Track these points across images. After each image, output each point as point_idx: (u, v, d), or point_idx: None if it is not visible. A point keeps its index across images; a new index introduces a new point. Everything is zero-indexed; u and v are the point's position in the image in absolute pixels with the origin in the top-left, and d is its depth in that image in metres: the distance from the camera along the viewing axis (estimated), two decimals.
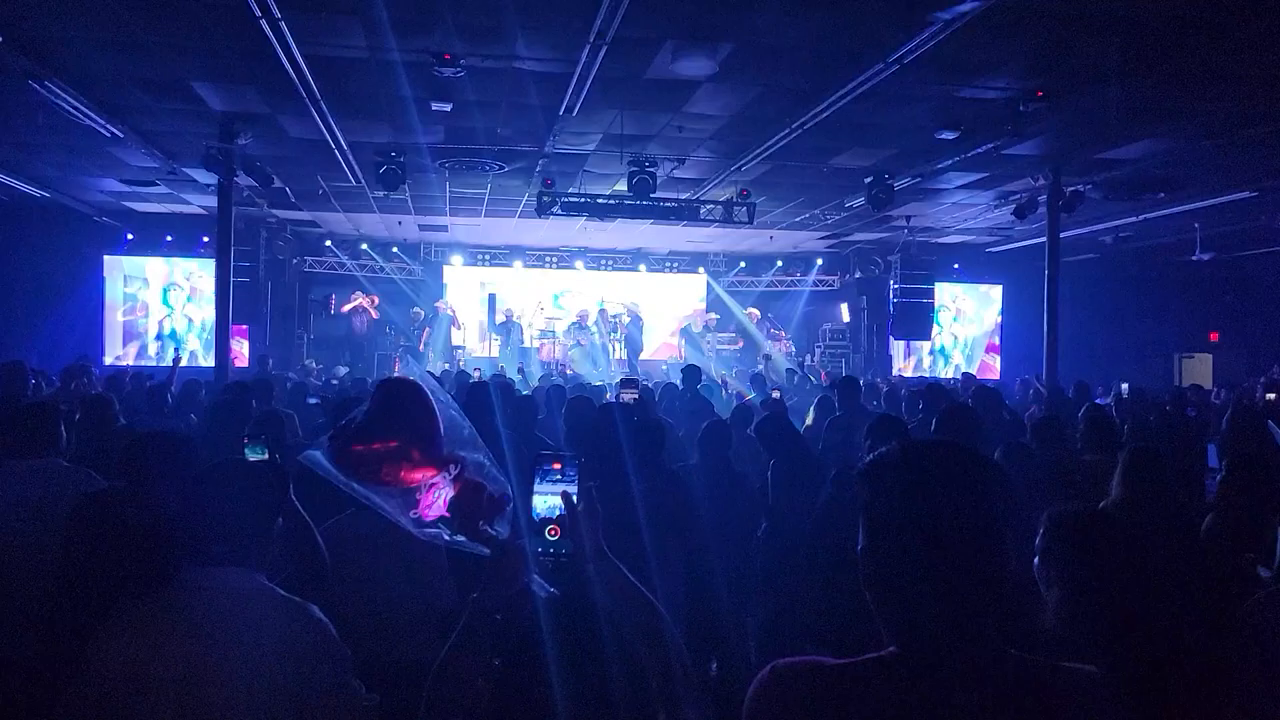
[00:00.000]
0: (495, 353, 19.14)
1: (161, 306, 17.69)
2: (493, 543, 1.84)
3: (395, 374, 14.11)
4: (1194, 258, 15.43)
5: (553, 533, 1.74)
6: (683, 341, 19.78)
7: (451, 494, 2.22)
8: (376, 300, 19.74)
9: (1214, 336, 18.73)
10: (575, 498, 1.75)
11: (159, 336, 17.50)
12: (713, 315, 20.55)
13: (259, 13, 6.93)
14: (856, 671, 1.40)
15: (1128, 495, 4.18)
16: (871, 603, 1.43)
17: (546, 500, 1.76)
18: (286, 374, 13.73)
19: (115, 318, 17.53)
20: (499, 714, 1.73)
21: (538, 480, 1.77)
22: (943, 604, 1.35)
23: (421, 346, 18.43)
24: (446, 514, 2.21)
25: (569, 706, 1.73)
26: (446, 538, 2.17)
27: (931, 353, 19.87)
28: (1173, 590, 3.19)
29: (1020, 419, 8.23)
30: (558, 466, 1.78)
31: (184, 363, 13.97)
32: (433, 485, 2.21)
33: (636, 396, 6.48)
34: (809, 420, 8.61)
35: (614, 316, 20.03)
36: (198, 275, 17.47)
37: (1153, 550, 3.42)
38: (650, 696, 1.68)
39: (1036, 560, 2.50)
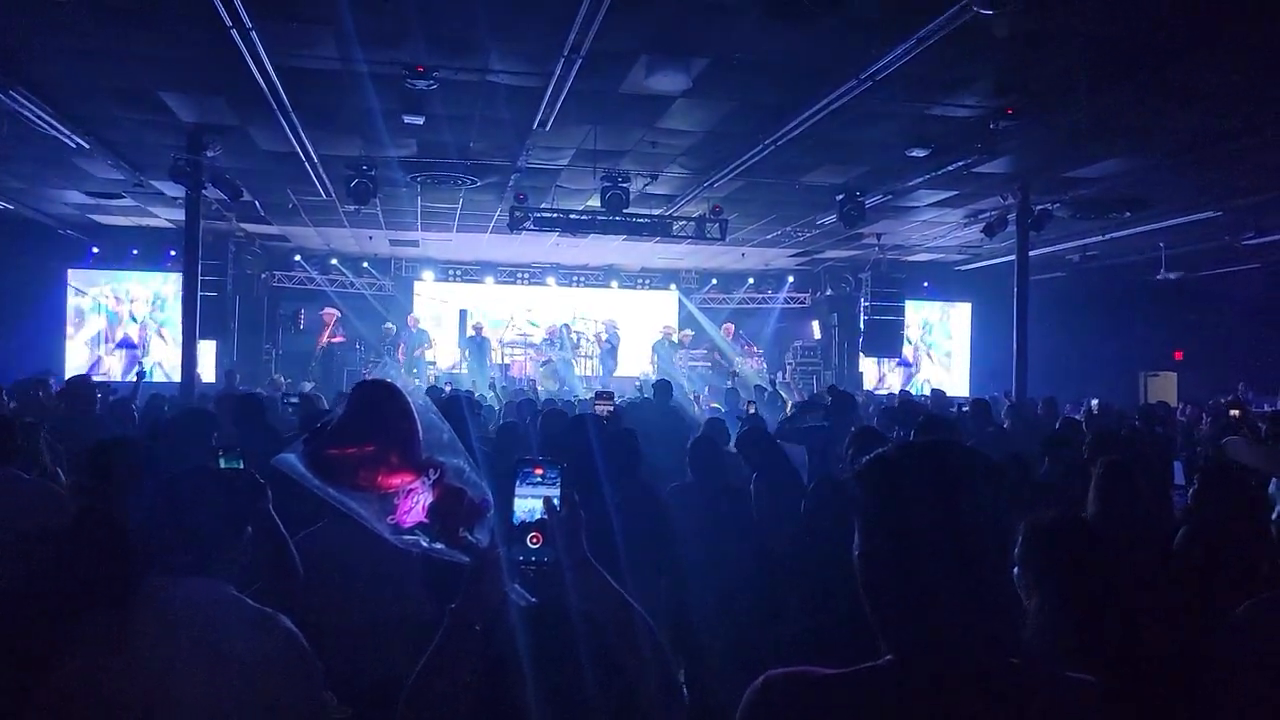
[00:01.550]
0: (466, 369, 18.99)
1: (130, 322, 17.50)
2: (472, 551, 1.78)
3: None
4: (1159, 276, 15.63)
5: (534, 540, 1.68)
6: (655, 357, 19.73)
7: (430, 500, 2.16)
8: (338, 314, 19.46)
9: (1178, 355, 18.97)
10: (557, 503, 1.70)
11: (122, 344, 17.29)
12: (687, 332, 20.51)
13: (229, 22, 6.84)
14: (852, 681, 1.36)
15: (1103, 508, 4.20)
16: (868, 609, 1.38)
17: (527, 505, 1.70)
18: (255, 389, 13.52)
19: (79, 335, 17.29)
20: None
21: (519, 485, 1.72)
22: (943, 610, 1.31)
23: (401, 358, 18.25)
24: (425, 520, 2.15)
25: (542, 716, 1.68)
26: (424, 545, 2.10)
27: (901, 361, 19.98)
28: (1149, 601, 3.19)
29: (1005, 431, 8.29)
30: (539, 472, 1.74)
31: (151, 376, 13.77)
32: (411, 491, 2.15)
33: (612, 410, 6.44)
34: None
35: (577, 333, 19.93)
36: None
37: (1129, 561, 3.42)
38: (636, 708, 1.63)
39: (1016, 569, 2.48)
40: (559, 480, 1.73)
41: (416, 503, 2.15)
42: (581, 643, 1.69)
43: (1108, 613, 2.29)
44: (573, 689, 1.68)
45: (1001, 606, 1.35)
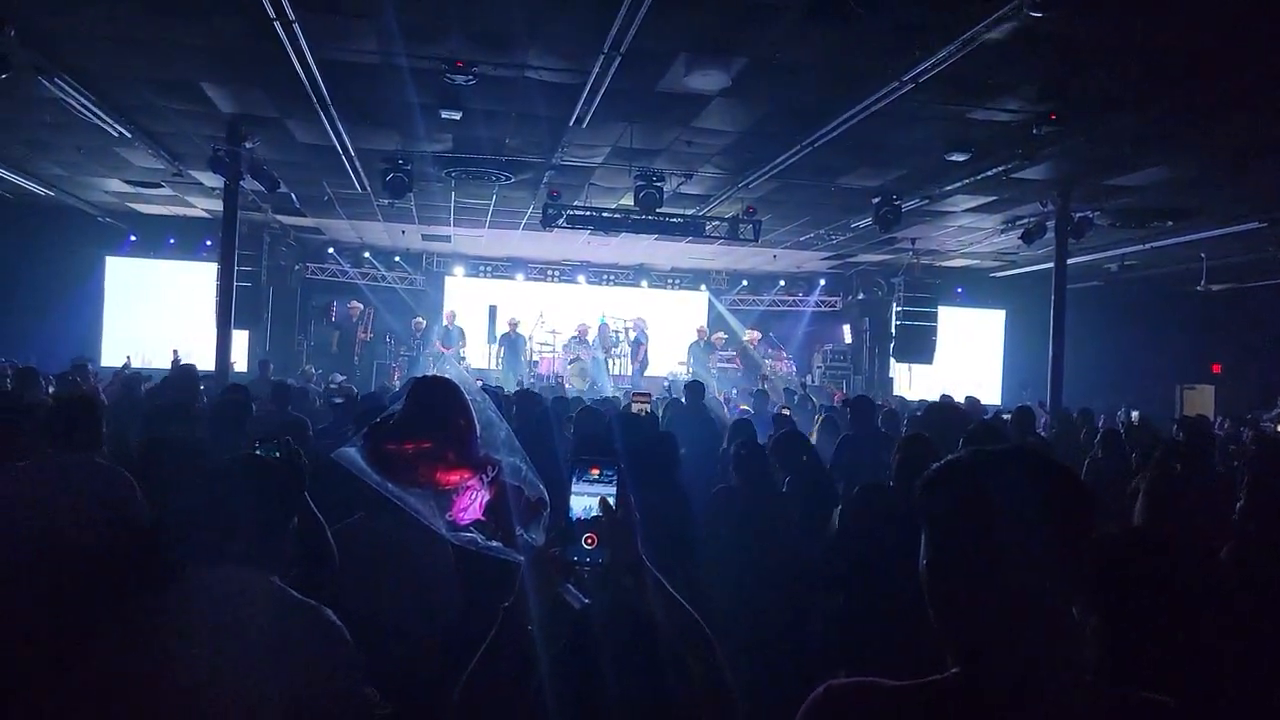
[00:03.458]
0: (497, 366, 19.01)
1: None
2: (528, 550, 1.75)
3: (396, 382, 14.01)
4: (1199, 288, 15.39)
5: (589, 541, 1.65)
6: (690, 358, 19.68)
7: (488, 498, 2.13)
8: (361, 308, 19.58)
9: (1216, 368, 18.67)
10: (614, 503, 1.66)
11: None
12: (721, 334, 20.41)
13: (273, 14, 6.88)
14: (917, 694, 1.31)
15: (1152, 520, 4.11)
16: (934, 619, 1.33)
17: (583, 504, 1.67)
18: (286, 380, 13.62)
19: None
20: None
21: (574, 484, 1.68)
22: (1016, 624, 1.26)
23: (441, 349, 18.31)
24: (482, 518, 2.12)
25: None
26: (481, 542, 2.08)
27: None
28: (1207, 619, 3.11)
29: (1049, 441, 8.22)
30: (596, 471, 1.70)
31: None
32: (468, 488, 2.12)
33: (648, 409, 6.41)
34: (813, 440, 8.56)
35: (615, 332, 19.91)
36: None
37: (1184, 578, 3.34)
38: (689, 710, 1.60)
39: None
40: (615, 480, 1.69)
41: (473, 500, 2.13)
42: (635, 644, 1.66)
43: (1174, 630, 2.22)
44: (625, 690, 1.65)
45: (1074, 623, 1.29)
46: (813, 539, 4.38)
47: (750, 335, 20.65)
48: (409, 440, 2.14)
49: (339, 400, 6.97)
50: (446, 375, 2.41)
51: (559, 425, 7.02)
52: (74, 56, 8.42)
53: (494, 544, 2.05)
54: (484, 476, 2.12)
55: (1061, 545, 1.28)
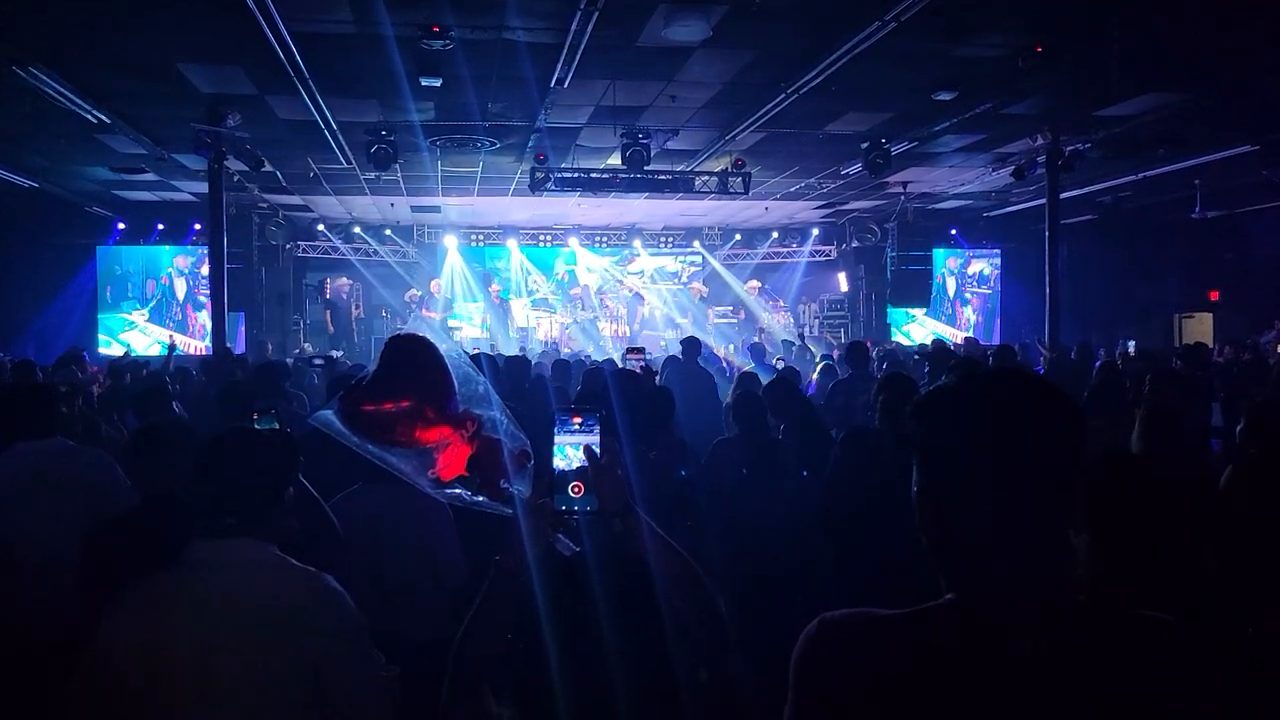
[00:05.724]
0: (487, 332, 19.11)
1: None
2: (515, 502, 1.76)
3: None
4: (1194, 215, 15.30)
5: (576, 490, 1.65)
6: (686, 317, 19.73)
7: (469, 452, 2.13)
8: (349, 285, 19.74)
9: (1214, 295, 18.61)
10: (597, 450, 1.67)
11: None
12: (704, 287, 20.43)
13: None
14: (911, 621, 1.31)
15: (1148, 450, 4.14)
16: (928, 548, 1.33)
17: (567, 454, 1.68)
18: (284, 358, 13.62)
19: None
20: (527, 677, 1.66)
21: (557, 434, 1.69)
22: (1009, 546, 1.25)
23: (428, 316, 18.40)
24: (465, 473, 2.12)
25: (592, 665, 1.66)
26: (467, 498, 2.08)
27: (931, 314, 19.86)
28: (1201, 539, 3.13)
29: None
30: (577, 420, 1.70)
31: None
32: (449, 444, 2.12)
33: (644, 364, 6.42)
34: (813, 387, 8.59)
35: (599, 291, 19.91)
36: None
37: (1176, 500, 3.36)
38: (685, 650, 1.61)
39: None
40: (597, 427, 1.70)
41: (455, 456, 2.13)
42: (628, 588, 1.67)
43: (1159, 550, 2.24)
44: (621, 635, 1.66)
45: (1066, 543, 1.29)
46: (810, 483, 4.41)
47: (751, 285, 20.64)
48: (387, 400, 2.14)
49: (319, 363, 7.05)
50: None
51: (559, 389, 7.04)
52: (47, 44, 8.31)
53: (480, 498, 2.06)
54: (464, 432, 2.12)
55: (1054, 464, 1.27)
